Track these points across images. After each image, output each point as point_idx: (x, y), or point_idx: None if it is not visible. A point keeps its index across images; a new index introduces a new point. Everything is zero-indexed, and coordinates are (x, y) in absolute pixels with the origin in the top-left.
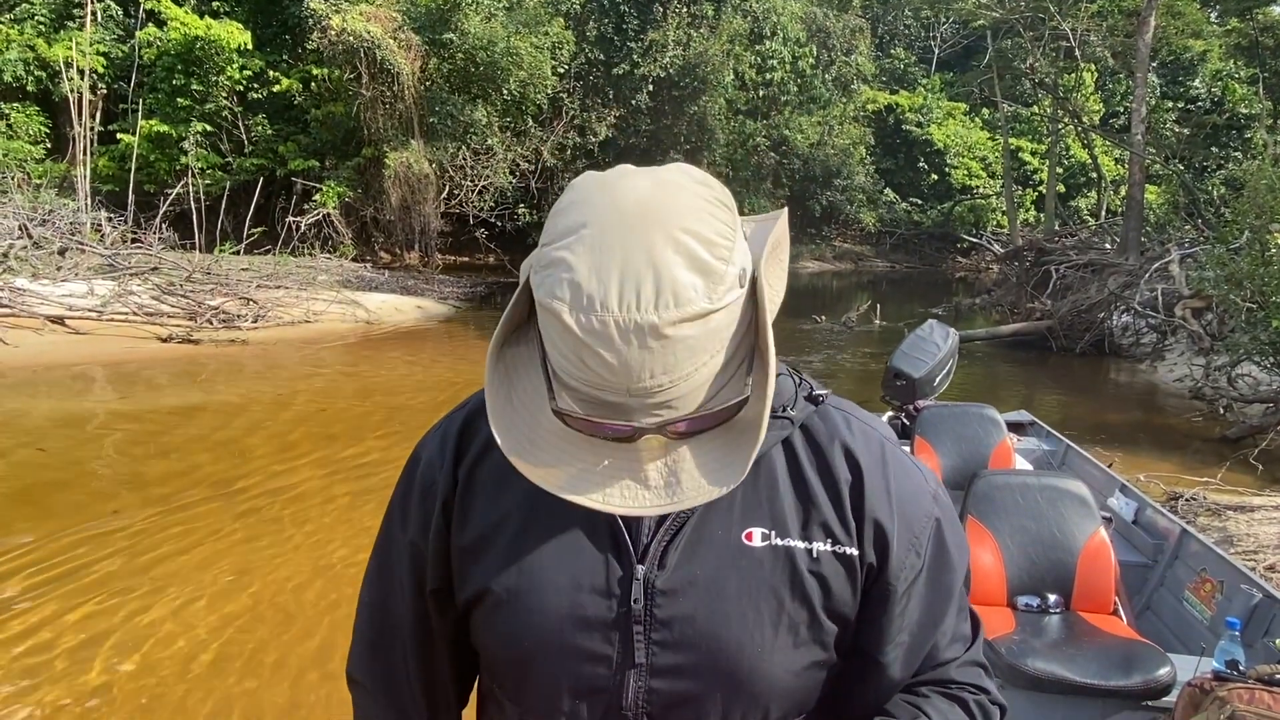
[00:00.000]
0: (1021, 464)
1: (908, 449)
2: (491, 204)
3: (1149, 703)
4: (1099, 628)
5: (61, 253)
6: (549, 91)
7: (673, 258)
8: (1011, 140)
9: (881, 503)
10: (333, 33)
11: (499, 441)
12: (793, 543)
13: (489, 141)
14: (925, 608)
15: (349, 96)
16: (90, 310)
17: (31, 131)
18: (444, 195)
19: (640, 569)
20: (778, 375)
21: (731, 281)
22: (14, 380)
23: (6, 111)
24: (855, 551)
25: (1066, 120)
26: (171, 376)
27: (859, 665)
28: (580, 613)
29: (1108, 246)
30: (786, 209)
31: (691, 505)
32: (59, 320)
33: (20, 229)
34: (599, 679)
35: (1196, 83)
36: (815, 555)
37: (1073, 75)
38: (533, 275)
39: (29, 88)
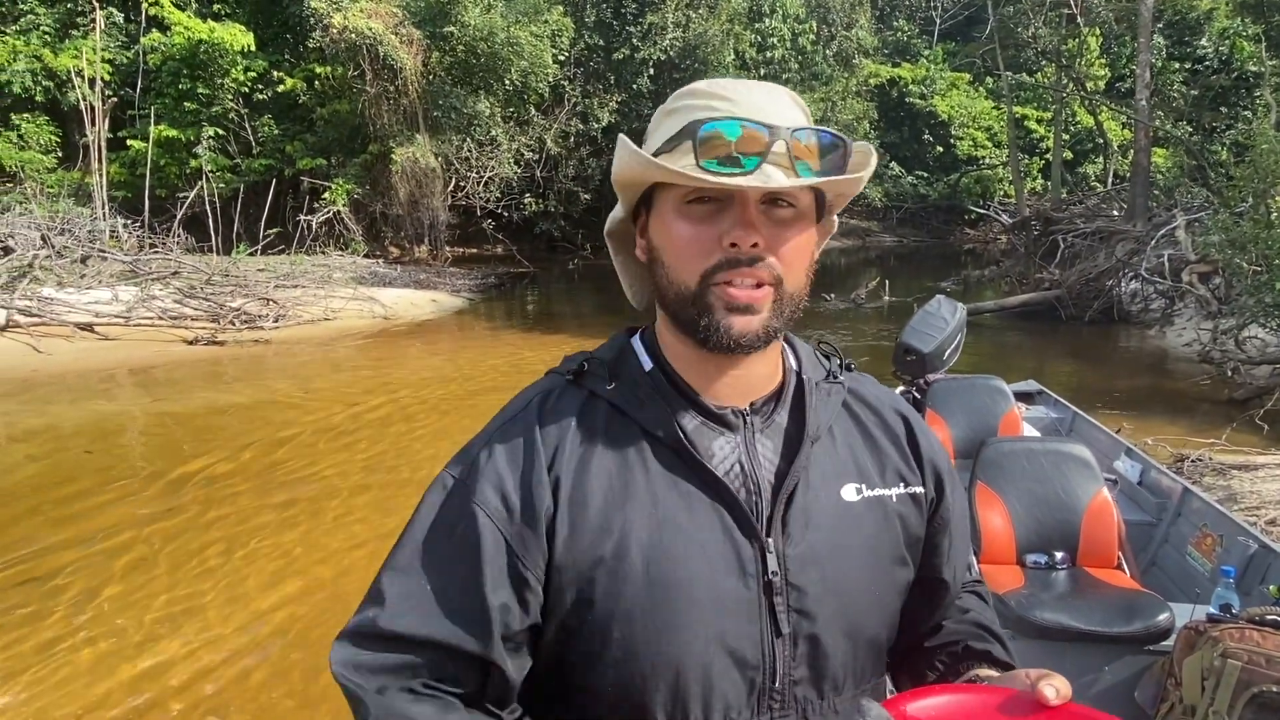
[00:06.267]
0: (1030, 432)
1: None
2: (498, 195)
3: (1150, 647)
4: (1103, 580)
5: (83, 260)
6: (550, 80)
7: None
8: (1016, 109)
9: (929, 447)
10: (334, 31)
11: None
12: (880, 491)
13: (493, 132)
14: (961, 530)
15: (353, 94)
16: (117, 316)
17: (42, 141)
18: (450, 188)
19: (769, 541)
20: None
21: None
22: (53, 388)
23: (17, 123)
24: (921, 490)
25: (1071, 87)
26: (202, 378)
27: (928, 587)
28: (723, 596)
29: (1115, 213)
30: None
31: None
32: (88, 327)
33: (42, 238)
34: (749, 659)
35: (1204, 42)
36: (896, 499)
37: (1076, 41)
38: (656, 131)
39: (37, 98)
